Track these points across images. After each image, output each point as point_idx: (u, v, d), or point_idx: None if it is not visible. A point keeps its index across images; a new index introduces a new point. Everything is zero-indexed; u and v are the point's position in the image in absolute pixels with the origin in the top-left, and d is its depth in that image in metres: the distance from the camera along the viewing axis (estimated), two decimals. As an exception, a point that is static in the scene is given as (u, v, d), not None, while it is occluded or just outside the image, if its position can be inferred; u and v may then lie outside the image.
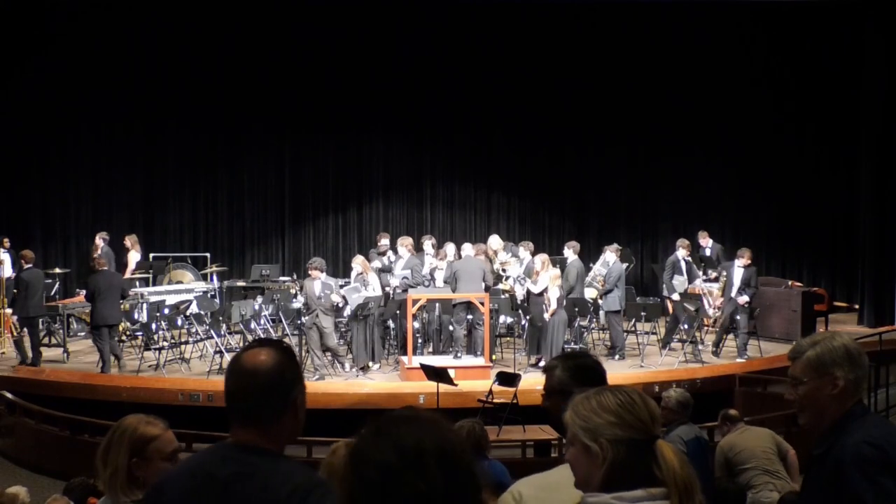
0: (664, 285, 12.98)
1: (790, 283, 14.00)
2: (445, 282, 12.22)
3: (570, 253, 12.76)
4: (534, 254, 12.64)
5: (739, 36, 15.95)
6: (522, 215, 17.24)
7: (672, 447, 2.04)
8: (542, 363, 11.55)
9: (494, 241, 13.71)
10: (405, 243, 12.45)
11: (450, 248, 12.90)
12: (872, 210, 15.08)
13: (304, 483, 2.17)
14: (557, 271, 11.77)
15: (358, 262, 11.65)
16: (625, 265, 13.78)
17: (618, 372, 11.38)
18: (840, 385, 2.67)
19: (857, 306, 15.17)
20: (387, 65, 16.34)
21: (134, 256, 14.14)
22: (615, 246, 12.93)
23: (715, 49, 15.99)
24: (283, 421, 2.25)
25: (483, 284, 11.69)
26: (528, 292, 11.90)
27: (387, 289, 12.28)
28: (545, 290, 11.48)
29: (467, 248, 12.48)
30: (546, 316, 11.35)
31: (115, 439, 2.86)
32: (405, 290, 11.84)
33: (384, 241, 13.18)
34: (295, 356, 2.34)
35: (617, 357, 12.13)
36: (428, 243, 13.01)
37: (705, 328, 12.85)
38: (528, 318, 11.91)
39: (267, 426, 2.23)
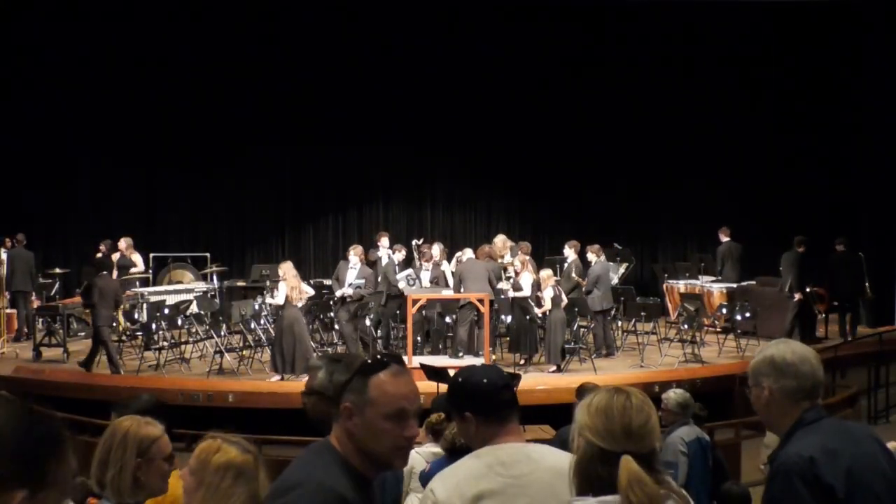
0: (789, 281, 12.99)
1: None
2: (431, 282, 12.23)
3: (571, 252, 12.78)
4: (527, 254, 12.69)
5: (740, 36, 15.94)
6: (522, 215, 17.25)
7: (634, 466, 2.09)
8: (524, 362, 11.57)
9: (500, 240, 13.67)
10: (356, 252, 12.33)
11: (435, 249, 12.96)
12: (872, 210, 15.08)
13: (284, 484, 2.17)
14: (549, 271, 11.78)
15: (280, 268, 11.22)
16: (611, 265, 13.73)
17: (618, 372, 11.40)
18: (765, 395, 2.72)
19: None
20: (387, 65, 16.34)
21: (138, 258, 14.07)
22: (596, 246, 12.84)
23: (715, 48, 15.98)
24: (341, 422, 2.23)
25: (489, 286, 11.67)
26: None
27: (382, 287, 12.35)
28: (536, 288, 11.51)
29: (468, 252, 12.51)
30: (538, 311, 11.36)
31: (117, 440, 2.85)
32: (360, 299, 11.87)
33: (384, 241, 13.19)
34: (365, 365, 2.29)
35: (604, 353, 12.22)
36: (436, 248, 13.06)
37: (705, 328, 12.85)
38: (527, 318, 11.87)
39: (336, 424, 2.26)
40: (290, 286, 10.84)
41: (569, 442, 2.28)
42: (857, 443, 2.68)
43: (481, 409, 2.60)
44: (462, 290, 11.58)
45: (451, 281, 12.26)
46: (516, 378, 9.44)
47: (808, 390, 2.70)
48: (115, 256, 13.84)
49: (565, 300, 11.51)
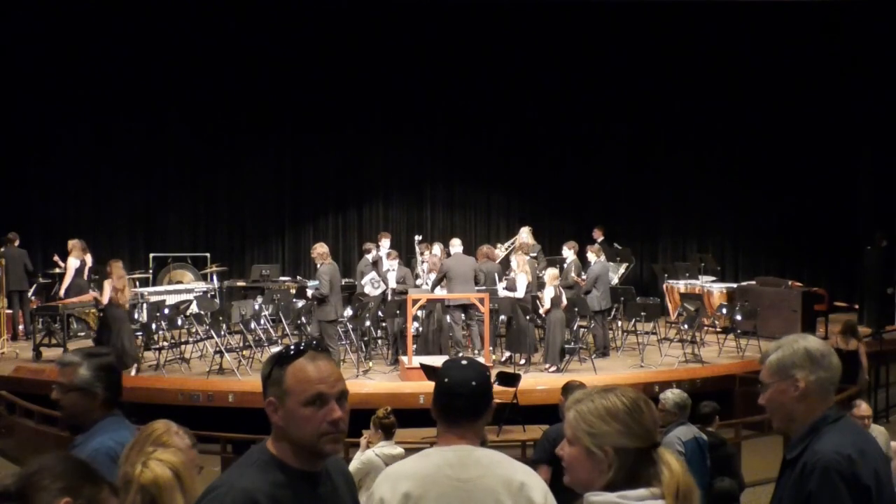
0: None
1: (790, 283, 14.00)
2: (398, 283, 12.14)
3: (570, 253, 12.77)
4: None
5: (739, 36, 15.92)
6: (522, 215, 17.22)
7: (673, 453, 2.08)
8: (518, 362, 11.57)
9: (525, 234, 13.57)
10: (320, 251, 11.35)
11: (436, 249, 12.90)
12: (872, 209, 15.09)
13: (207, 489, 2.21)
14: (555, 271, 11.78)
15: (109, 266, 11.08)
16: (611, 265, 13.70)
17: (619, 372, 11.40)
18: (801, 386, 2.68)
19: (857, 306, 15.16)
20: (387, 65, 16.35)
21: (73, 263, 13.27)
22: (596, 246, 12.83)
23: (715, 48, 15.96)
24: (271, 418, 2.23)
25: (474, 285, 11.62)
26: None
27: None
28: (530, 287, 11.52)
29: (456, 245, 12.23)
30: (541, 310, 11.37)
31: (141, 438, 2.87)
32: (320, 302, 11.17)
33: (384, 242, 13.20)
34: (278, 356, 2.28)
35: (599, 354, 12.20)
36: (437, 248, 13.00)
37: (705, 328, 12.85)
38: (527, 318, 11.86)
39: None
40: (113, 286, 10.72)
41: (558, 441, 2.26)
42: (871, 443, 2.72)
43: (438, 405, 2.64)
44: (446, 288, 11.51)
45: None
46: (516, 378, 9.46)
47: (836, 382, 2.71)
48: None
49: (564, 301, 11.51)
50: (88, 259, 13.53)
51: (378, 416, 6.45)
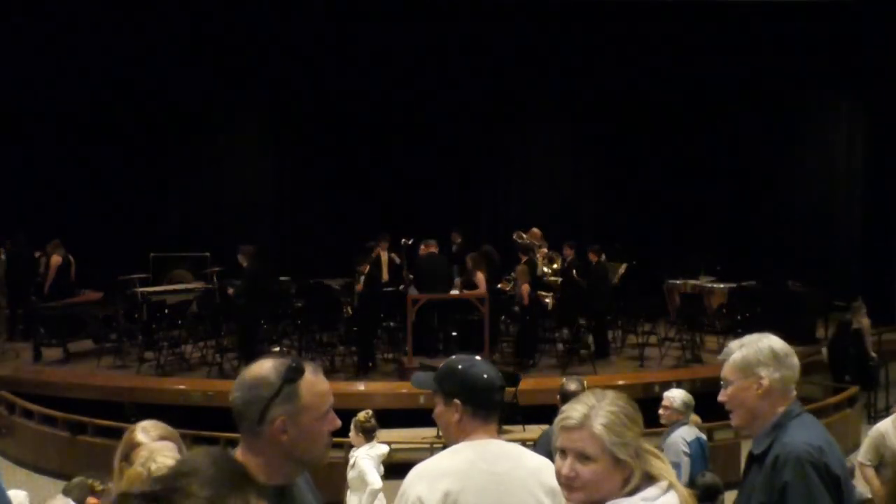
0: None
1: (790, 283, 13.98)
2: (366, 286, 12.06)
3: (570, 253, 12.79)
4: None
5: (736, 30, 15.87)
6: (523, 216, 17.23)
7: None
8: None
9: (526, 235, 13.53)
10: (244, 252, 11.55)
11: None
12: (872, 209, 15.09)
13: None
14: (525, 267, 11.79)
15: None
16: (611, 265, 13.69)
17: (619, 372, 11.40)
18: (765, 385, 2.74)
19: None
20: (385, 62, 16.33)
21: (55, 261, 13.48)
22: (597, 247, 12.80)
23: (711, 40, 15.89)
24: (265, 439, 2.08)
25: (447, 285, 11.58)
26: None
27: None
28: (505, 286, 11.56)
29: (431, 246, 12.09)
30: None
31: (125, 436, 2.93)
32: (239, 297, 11.31)
33: (383, 243, 13.19)
34: (289, 371, 2.12)
35: (600, 354, 12.17)
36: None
37: (705, 328, 12.83)
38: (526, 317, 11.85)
39: (246, 436, 2.11)
40: None
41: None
42: (830, 438, 2.81)
43: (473, 401, 2.64)
44: (419, 287, 11.49)
45: None
46: (516, 378, 9.46)
47: (797, 380, 2.80)
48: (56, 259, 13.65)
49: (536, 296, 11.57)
50: (71, 258, 13.66)
51: (360, 419, 6.47)
